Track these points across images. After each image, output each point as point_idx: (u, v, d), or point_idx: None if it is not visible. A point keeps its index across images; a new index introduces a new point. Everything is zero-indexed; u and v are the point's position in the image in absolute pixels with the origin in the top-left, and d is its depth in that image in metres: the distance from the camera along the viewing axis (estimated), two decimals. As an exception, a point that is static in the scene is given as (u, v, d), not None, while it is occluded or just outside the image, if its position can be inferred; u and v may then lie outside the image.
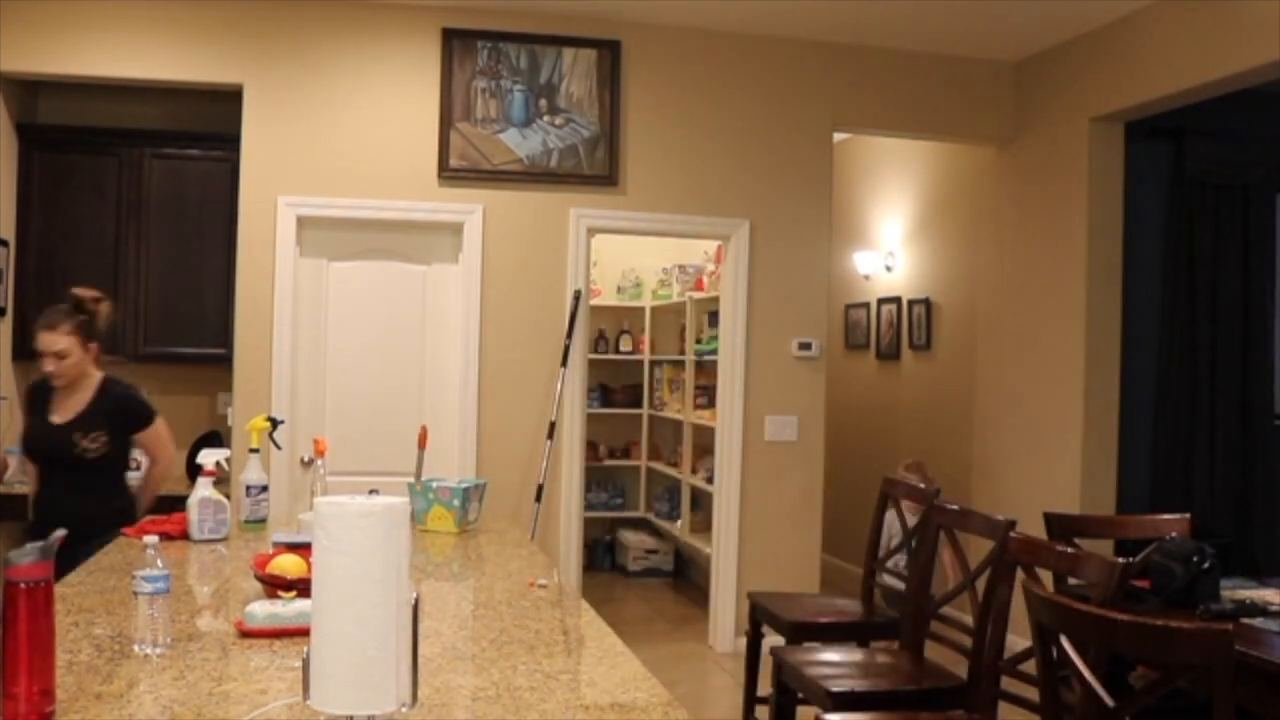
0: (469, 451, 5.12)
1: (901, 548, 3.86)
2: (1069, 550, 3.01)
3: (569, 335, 5.19)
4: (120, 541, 3.13)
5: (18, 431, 5.11)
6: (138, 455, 3.72)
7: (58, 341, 3.44)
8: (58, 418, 3.52)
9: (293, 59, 4.98)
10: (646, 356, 7.49)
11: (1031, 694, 2.62)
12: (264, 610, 2.17)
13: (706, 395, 6.37)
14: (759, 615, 3.94)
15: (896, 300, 6.82)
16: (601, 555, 7.44)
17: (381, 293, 5.19)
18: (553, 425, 5.16)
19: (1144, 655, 2.42)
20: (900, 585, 4.05)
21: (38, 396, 3.61)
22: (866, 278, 7.17)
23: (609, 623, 2.44)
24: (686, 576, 7.19)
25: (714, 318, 6.11)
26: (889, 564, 4.14)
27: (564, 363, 5.18)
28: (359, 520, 1.40)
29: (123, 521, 3.35)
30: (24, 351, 5.04)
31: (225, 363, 5.05)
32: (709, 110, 5.38)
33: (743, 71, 5.42)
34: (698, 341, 6.62)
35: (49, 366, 3.48)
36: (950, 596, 3.36)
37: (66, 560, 2.34)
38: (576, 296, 5.21)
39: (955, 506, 3.50)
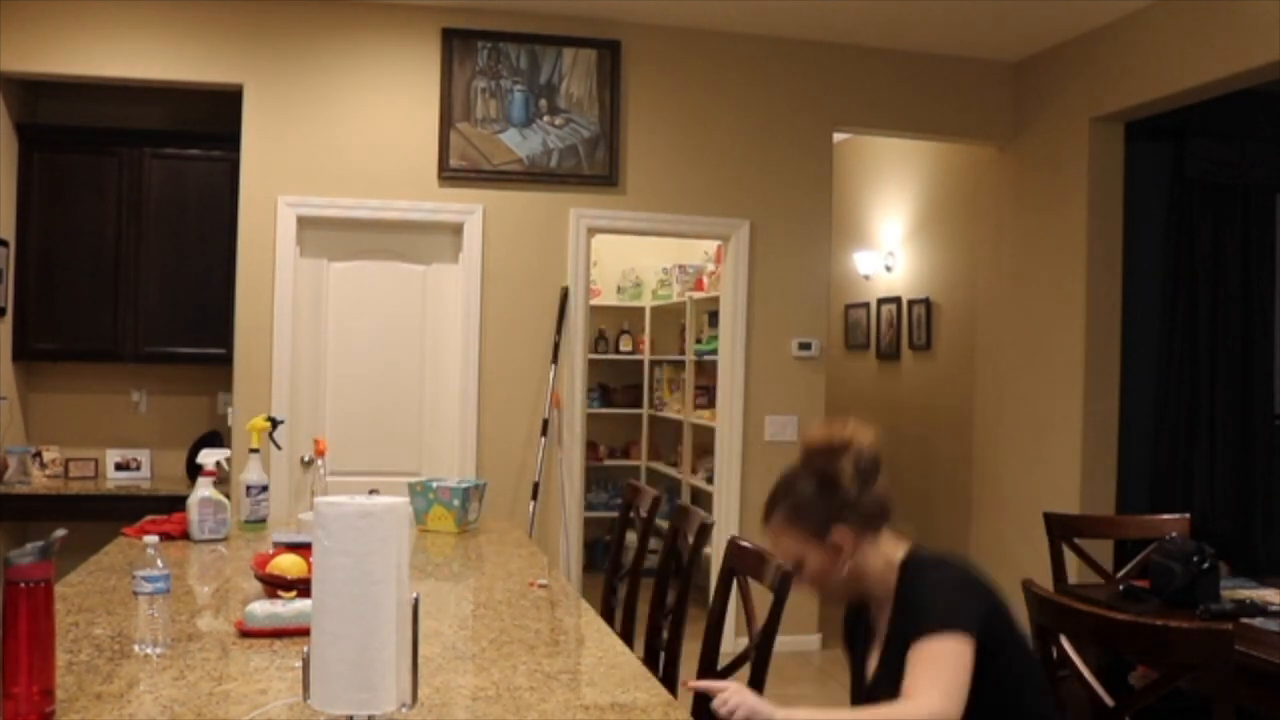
0: (469, 451, 5.12)
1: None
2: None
3: (558, 332, 5.18)
4: (120, 542, 3.13)
5: (18, 431, 5.13)
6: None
7: (776, 547, 2.03)
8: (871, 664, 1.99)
9: (293, 59, 4.98)
10: (646, 356, 7.48)
11: (1031, 694, 2.61)
12: (264, 610, 2.17)
13: (706, 395, 6.36)
14: (759, 615, 3.91)
15: (896, 300, 6.82)
16: (601, 555, 7.43)
17: (381, 293, 5.18)
18: (545, 423, 5.15)
19: (1144, 655, 2.42)
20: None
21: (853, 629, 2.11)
22: (866, 278, 7.17)
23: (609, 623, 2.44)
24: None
25: (714, 318, 6.11)
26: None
27: (554, 359, 5.17)
28: (359, 520, 1.40)
29: None
30: (24, 351, 5.04)
31: (225, 363, 5.05)
32: (708, 110, 5.38)
33: (742, 71, 5.42)
34: (698, 341, 6.62)
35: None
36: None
37: None
38: (564, 294, 5.20)
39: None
